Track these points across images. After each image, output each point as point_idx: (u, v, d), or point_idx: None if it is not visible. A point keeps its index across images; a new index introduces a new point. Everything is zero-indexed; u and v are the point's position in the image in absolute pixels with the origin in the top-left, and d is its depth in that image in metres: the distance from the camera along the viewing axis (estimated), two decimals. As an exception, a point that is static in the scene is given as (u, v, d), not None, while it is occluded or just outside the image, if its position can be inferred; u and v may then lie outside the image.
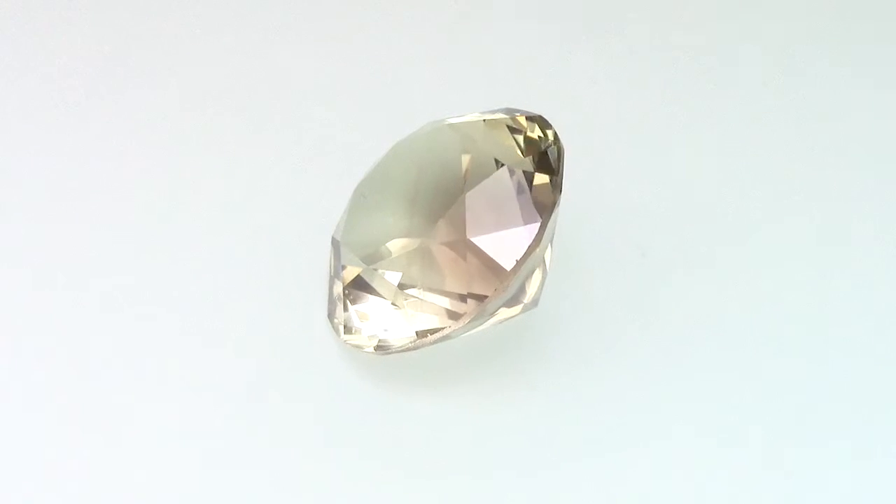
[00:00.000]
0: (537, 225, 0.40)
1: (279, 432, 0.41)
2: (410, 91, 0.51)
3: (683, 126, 0.50)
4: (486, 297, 0.40)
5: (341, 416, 0.42)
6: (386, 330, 0.41)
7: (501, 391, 0.43)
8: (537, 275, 0.42)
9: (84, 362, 0.43)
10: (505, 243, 0.40)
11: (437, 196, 0.41)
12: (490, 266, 0.40)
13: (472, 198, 0.41)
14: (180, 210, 0.46)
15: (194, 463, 0.41)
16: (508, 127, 0.42)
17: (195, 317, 0.43)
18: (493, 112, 0.42)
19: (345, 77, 0.51)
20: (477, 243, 0.41)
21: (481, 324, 0.42)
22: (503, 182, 0.41)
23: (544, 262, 0.42)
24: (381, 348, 0.41)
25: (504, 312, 0.42)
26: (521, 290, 0.42)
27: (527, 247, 0.40)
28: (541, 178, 0.41)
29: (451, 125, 0.42)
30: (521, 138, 0.42)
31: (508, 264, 0.40)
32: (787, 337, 0.44)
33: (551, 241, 0.42)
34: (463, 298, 0.41)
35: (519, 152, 0.42)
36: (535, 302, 0.43)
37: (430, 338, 0.41)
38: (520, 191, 0.41)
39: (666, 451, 0.41)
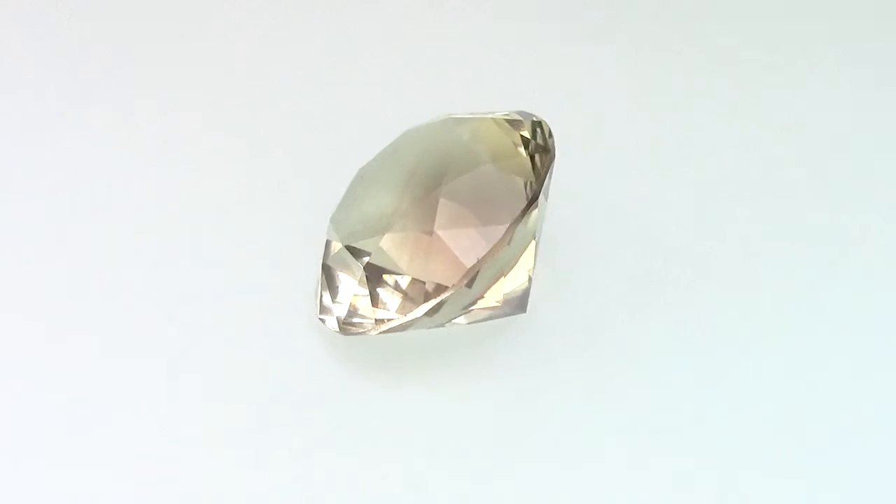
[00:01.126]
0: (506, 226, 0.40)
1: (251, 407, 0.42)
2: (411, 90, 0.51)
3: (687, 130, 0.50)
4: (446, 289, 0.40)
5: (306, 394, 0.42)
6: (351, 311, 0.42)
7: (473, 387, 0.42)
8: (518, 278, 0.42)
9: (88, 333, 0.44)
10: (472, 239, 0.40)
11: (428, 184, 0.41)
12: (453, 260, 0.40)
13: (452, 191, 0.41)
14: (187, 197, 0.48)
15: (170, 436, 0.41)
16: (513, 128, 0.42)
17: (194, 302, 0.44)
18: (505, 112, 0.43)
19: (348, 76, 0.52)
20: (442, 236, 0.40)
21: (450, 319, 0.42)
22: (485, 179, 0.41)
23: (525, 266, 0.42)
24: (345, 329, 0.42)
25: (479, 310, 0.42)
26: (494, 290, 0.42)
27: (491, 246, 0.40)
28: (523, 181, 0.41)
29: (460, 119, 0.43)
30: (523, 140, 0.42)
31: (469, 261, 0.40)
32: (783, 349, 0.43)
33: (535, 246, 0.42)
34: (425, 288, 0.41)
35: (520, 152, 0.42)
36: (521, 306, 0.43)
37: (389, 324, 0.41)
38: (500, 190, 0.41)
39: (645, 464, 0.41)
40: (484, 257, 0.40)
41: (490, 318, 0.43)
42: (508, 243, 0.40)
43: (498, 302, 0.42)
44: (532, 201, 0.41)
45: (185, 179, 0.48)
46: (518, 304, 0.43)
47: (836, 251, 0.46)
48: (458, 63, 0.53)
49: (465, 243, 0.41)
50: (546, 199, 0.42)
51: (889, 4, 0.55)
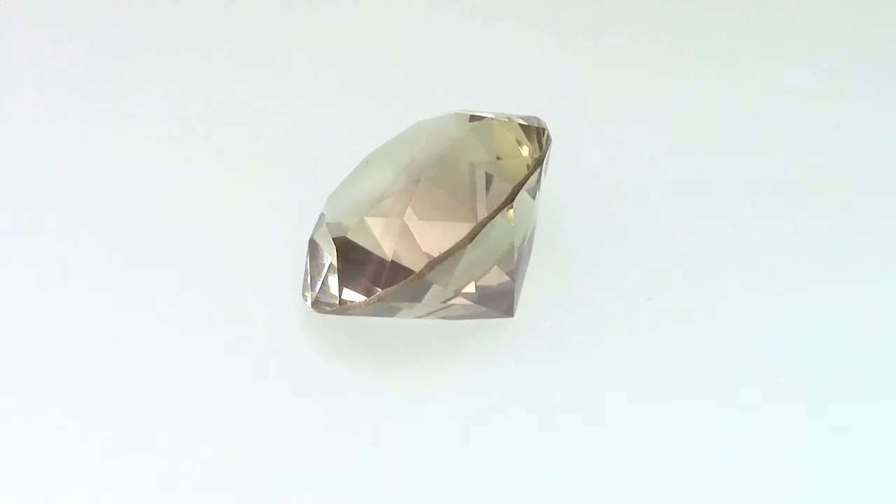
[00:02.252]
0: (472, 224, 0.41)
1: (242, 394, 0.43)
2: (414, 88, 0.52)
3: (687, 131, 0.50)
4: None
5: (282, 370, 0.43)
6: (323, 288, 0.42)
7: (468, 385, 0.43)
8: (496, 278, 0.43)
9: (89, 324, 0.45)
10: (443, 232, 0.41)
11: (420, 172, 0.42)
12: (419, 250, 0.41)
13: (436, 181, 0.42)
14: (191, 191, 0.49)
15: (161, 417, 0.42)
16: (520, 130, 0.43)
17: (197, 291, 0.46)
18: (516, 115, 0.44)
19: (349, 76, 0.53)
20: (411, 225, 0.41)
21: (430, 312, 0.42)
22: (478, 176, 0.42)
23: (505, 267, 0.43)
24: (317, 306, 0.42)
25: (462, 306, 0.43)
26: (470, 288, 0.42)
27: (454, 242, 0.41)
28: (504, 183, 0.42)
29: (469, 115, 0.44)
30: (525, 142, 0.43)
31: (435, 252, 0.41)
32: (783, 352, 0.43)
33: (515, 248, 0.43)
34: (393, 273, 0.41)
35: (521, 153, 0.43)
36: (507, 310, 0.44)
37: (352, 305, 0.41)
38: (491, 189, 0.41)
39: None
40: (446, 252, 0.40)
41: (481, 316, 0.44)
42: (471, 241, 0.41)
43: (472, 300, 0.43)
44: (506, 202, 0.41)
45: (189, 174, 0.50)
46: (504, 307, 0.44)
47: (837, 255, 0.46)
48: (462, 63, 0.54)
49: (435, 234, 0.41)
50: (535, 199, 0.43)
51: (889, 4, 0.55)
